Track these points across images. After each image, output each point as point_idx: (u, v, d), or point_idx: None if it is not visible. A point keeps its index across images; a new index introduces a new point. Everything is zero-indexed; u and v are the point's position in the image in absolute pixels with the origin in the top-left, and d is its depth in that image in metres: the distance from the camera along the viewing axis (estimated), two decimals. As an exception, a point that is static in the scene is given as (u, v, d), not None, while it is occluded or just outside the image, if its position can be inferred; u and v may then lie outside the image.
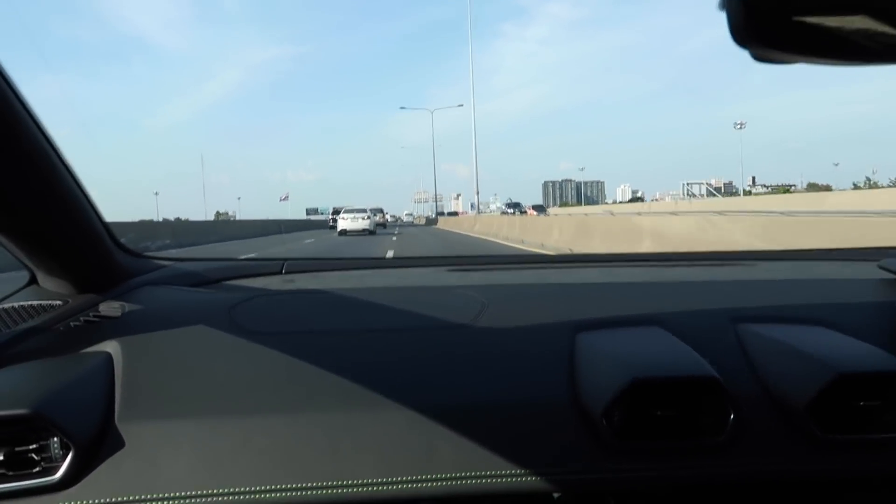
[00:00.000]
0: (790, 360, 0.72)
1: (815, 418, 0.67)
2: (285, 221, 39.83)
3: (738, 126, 71.31)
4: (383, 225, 33.90)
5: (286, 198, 60.55)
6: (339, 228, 24.10)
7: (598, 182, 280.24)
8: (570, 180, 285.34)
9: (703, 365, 0.70)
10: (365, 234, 22.69)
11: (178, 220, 45.85)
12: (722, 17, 0.40)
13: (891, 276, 0.93)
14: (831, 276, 1.09)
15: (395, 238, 18.93)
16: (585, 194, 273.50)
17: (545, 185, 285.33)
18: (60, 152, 0.72)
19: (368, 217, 24.34)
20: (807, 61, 0.43)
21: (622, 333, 0.79)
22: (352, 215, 24.51)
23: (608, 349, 0.74)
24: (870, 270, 0.99)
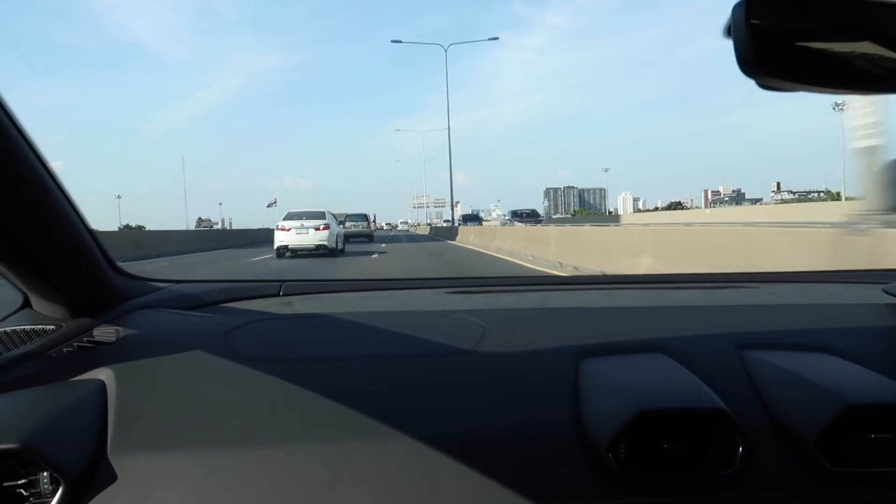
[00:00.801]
0: (798, 389, 0.71)
1: (825, 451, 0.67)
2: (264, 232, 37.11)
3: (838, 107, 63.34)
4: (368, 237, 26.36)
5: (274, 203, 56.46)
6: (276, 245, 13.97)
7: (600, 189, 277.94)
8: (573, 187, 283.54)
9: (711, 396, 0.69)
10: (322, 254, 13.83)
11: (127, 227, 41.46)
12: (718, 27, 0.42)
13: (895, 300, 0.93)
14: (836, 300, 1.08)
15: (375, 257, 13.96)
16: (588, 201, 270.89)
17: (546, 191, 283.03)
18: (54, 173, 0.71)
19: (325, 227, 14.09)
20: (813, 90, 0.44)
21: (627, 361, 0.79)
22: (297, 224, 14.00)
23: (613, 378, 0.74)
24: (875, 294, 0.98)
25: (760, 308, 1.03)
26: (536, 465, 0.67)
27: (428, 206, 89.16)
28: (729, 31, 0.44)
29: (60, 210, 0.74)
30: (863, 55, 0.43)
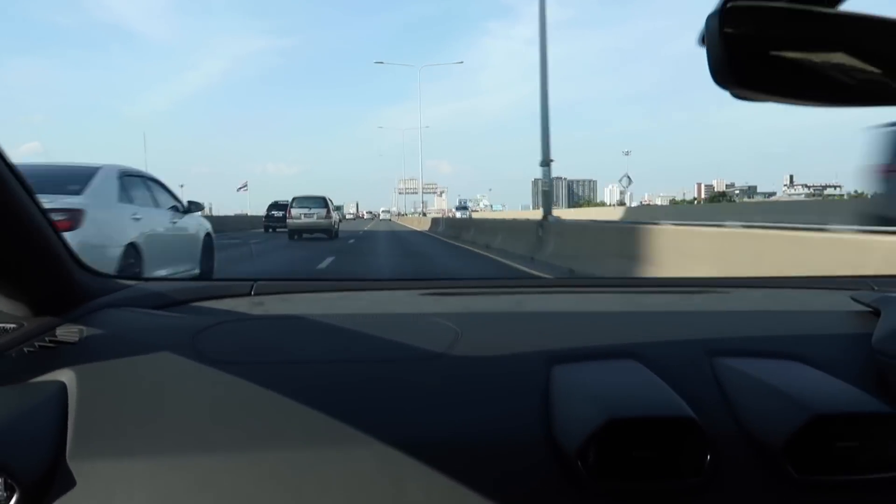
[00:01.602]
0: (766, 397, 0.73)
1: (791, 459, 0.68)
2: (236, 219, 31.12)
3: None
4: (326, 232, 18.55)
5: (244, 187, 51.32)
6: (288, 228, 16.21)
7: (590, 181, 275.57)
8: (562, 178, 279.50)
9: (681, 405, 0.71)
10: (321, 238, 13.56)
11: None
12: (697, 31, 0.43)
13: (862, 308, 0.95)
14: (806, 307, 1.11)
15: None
16: (577, 193, 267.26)
17: (535, 182, 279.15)
18: (11, 163, 0.69)
19: (327, 214, 16.43)
20: (787, 102, 0.45)
21: (598, 367, 0.80)
22: (305, 210, 15.61)
23: (584, 384, 0.75)
24: (843, 301, 1.01)
25: (731, 314, 1.05)
26: (505, 471, 0.68)
27: (416, 192, 79.76)
28: (703, 40, 0.45)
29: (19, 203, 0.71)
30: (837, 67, 0.44)
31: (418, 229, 28.65)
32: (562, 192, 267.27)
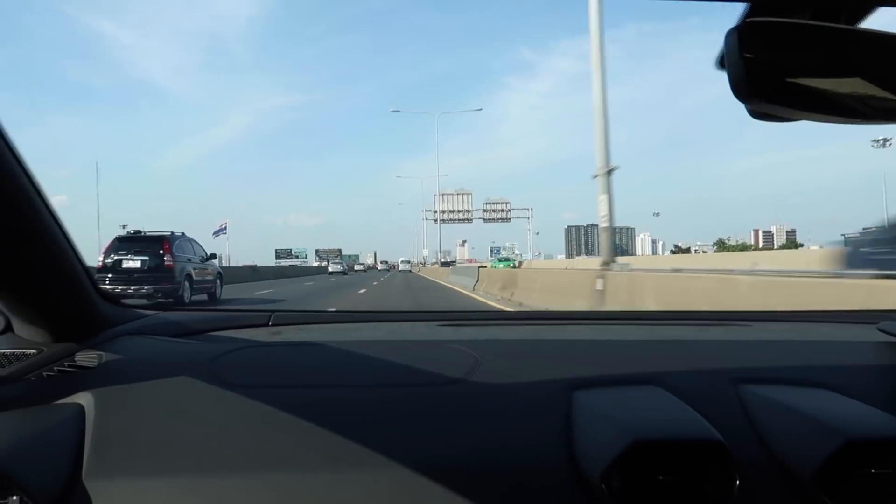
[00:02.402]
0: (796, 424, 0.72)
1: (823, 487, 0.66)
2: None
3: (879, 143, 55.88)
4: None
5: (223, 230, 39.75)
6: (329, 270, 25.50)
7: (628, 228, 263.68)
8: (597, 225, 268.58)
9: (707, 427, 0.69)
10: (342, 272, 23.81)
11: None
12: (719, 77, 0.44)
13: (891, 338, 0.94)
14: (829, 337, 1.09)
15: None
16: (614, 241, 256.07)
17: (568, 230, 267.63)
18: (44, 194, 0.72)
19: (341, 263, 25.83)
20: (803, 118, 0.46)
21: (621, 393, 0.79)
22: (334, 259, 23.83)
23: (606, 409, 0.74)
24: (869, 333, 0.99)
25: (756, 344, 1.04)
26: (527, 496, 0.67)
27: (460, 219, 67.33)
28: (722, 62, 0.45)
29: (49, 234, 0.75)
30: (856, 84, 0.44)
31: (455, 286, 19.03)
32: (597, 240, 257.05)
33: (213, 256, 12.76)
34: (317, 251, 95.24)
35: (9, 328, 0.86)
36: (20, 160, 0.67)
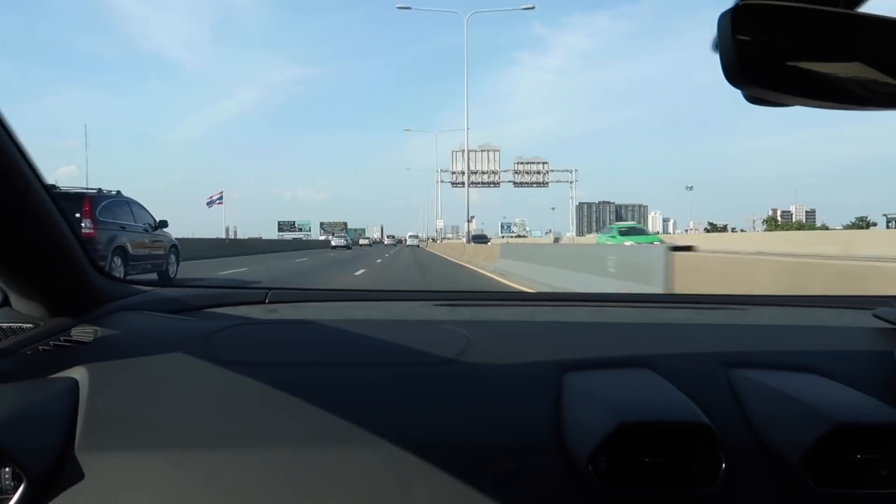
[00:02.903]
0: (784, 408, 0.73)
1: (810, 470, 0.67)
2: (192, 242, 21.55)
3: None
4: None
5: (218, 199, 35.53)
6: (332, 244, 24.26)
7: (640, 206, 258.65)
8: (609, 203, 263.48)
9: (695, 411, 0.71)
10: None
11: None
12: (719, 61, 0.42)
13: (885, 325, 0.94)
14: (825, 322, 1.10)
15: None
16: (625, 219, 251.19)
17: (579, 207, 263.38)
18: (37, 170, 0.73)
19: (345, 237, 25.57)
20: (799, 104, 0.45)
21: (610, 375, 0.80)
22: (338, 233, 22.85)
23: (595, 391, 0.76)
24: (864, 319, 1.00)
25: (748, 328, 1.04)
26: (514, 475, 0.68)
27: (488, 181, 55.01)
28: (716, 45, 0.44)
29: (44, 210, 0.76)
30: (852, 69, 0.44)
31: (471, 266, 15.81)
32: (609, 218, 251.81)
33: (164, 224, 9.71)
34: (321, 224, 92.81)
35: (6, 302, 0.87)
36: (12, 136, 0.67)
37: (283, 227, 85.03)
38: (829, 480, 0.67)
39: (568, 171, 60.58)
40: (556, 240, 44.89)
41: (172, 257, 10.03)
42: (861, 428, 0.68)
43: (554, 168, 59.49)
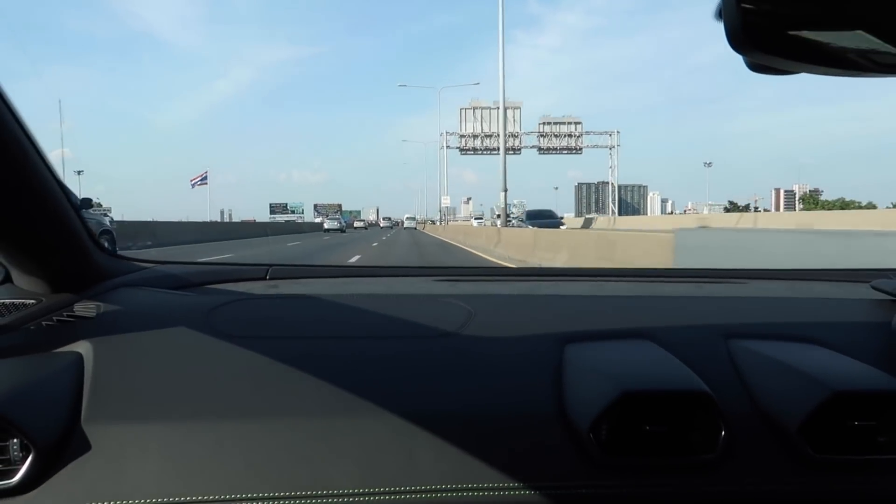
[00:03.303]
0: (783, 377, 0.74)
1: (808, 438, 0.69)
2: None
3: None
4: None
5: (202, 180, 33.19)
6: (324, 227, 22.91)
7: (639, 186, 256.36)
8: (608, 182, 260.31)
9: (695, 379, 0.72)
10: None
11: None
12: (722, 31, 0.42)
13: (884, 296, 0.96)
14: (824, 295, 1.11)
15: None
16: (624, 199, 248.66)
17: (578, 188, 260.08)
18: (39, 147, 0.74)
19: (340, 219, 22.16)
20: (803, 70, 0.45)
21: (611, 346, 0.82)
22: (332, 215, 20.14)
23: (596, 361, 0.77)
24: (863, 291, 1.02)
25: (748, 300, 1.05)
26: (517, 445, 0.70)
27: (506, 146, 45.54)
28: (720, 13, 0.44)
29: (45, 186, 0.76)
30: (857, 37, 0.43)
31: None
32: (607, 198, 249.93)
33: (88, 204, 8.27)
34: (315, 206, 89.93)
35: (8, 279, 0.88)
36: (14, 112, 0.67)
37: (274, 209, 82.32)
38: (828, 448, 0.69)
39: (608, 133, 47.95)
40: (588, 221, 38.40)
41: (106, 244, 8.09)
42: (859, 395, 0.69)
43: (590, 130, 47.57)
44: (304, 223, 58.24)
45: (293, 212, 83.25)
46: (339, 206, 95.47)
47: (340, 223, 45.27)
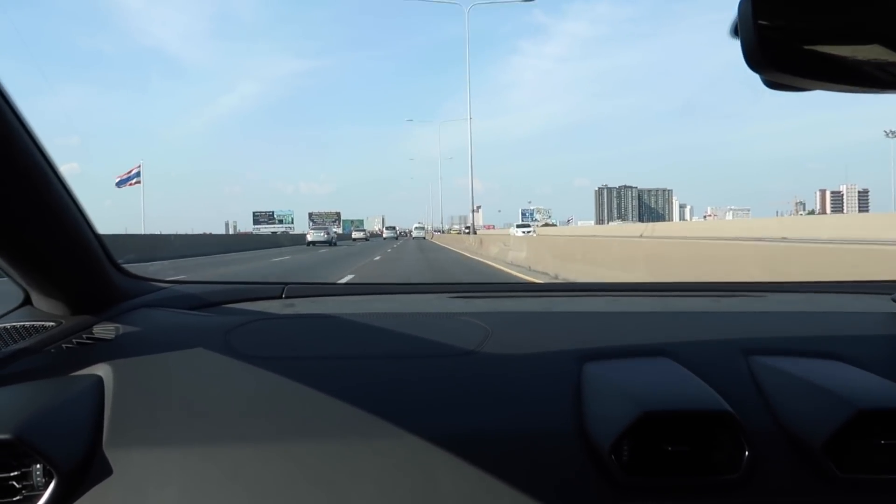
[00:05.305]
0: (806, 394, 0.75)
1: (833, 456, 0.70)
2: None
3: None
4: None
5: (134, 175, 24.04)
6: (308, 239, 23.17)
7: (664, 190, 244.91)
8: (632, 187, 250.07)
9: (717, 398, 0.73)
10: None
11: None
12: (733, 44, 0.43)
13: None
14: (844, 308, 1.11)
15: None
16: (647, 205, 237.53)
17: (598, 192, 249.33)
18: (57, 169, 0.76)
19: (325, 232, 22.07)
20: (819, 88, 0.45)
21: (630, 364, 0.83)
22: (319, 227, 19.16)
23: (616, 380, 0.78)
24: (883, 303, 1.02)
25: (767, 315, 1.06)
26: (537, 466, 0.71)
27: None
28: (736, 30, 0.44)
29: (63, 208, 0.79)
30: (872, 52, 0.44)
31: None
32: (630, 204, 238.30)
33: None
34: (310, 215, 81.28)
35: (28, 301, 0.90)
36: (32, 135, 0.69)
37: (259, 218, 73.50)
38: (853, 467, 0.69)
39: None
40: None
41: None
42: (885, 413, 0.69)
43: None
44: (282, 235, 50.45)
45: (281, 221, 74.80)
46: (338, 214, 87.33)
47: (329, 234, 36.91)
